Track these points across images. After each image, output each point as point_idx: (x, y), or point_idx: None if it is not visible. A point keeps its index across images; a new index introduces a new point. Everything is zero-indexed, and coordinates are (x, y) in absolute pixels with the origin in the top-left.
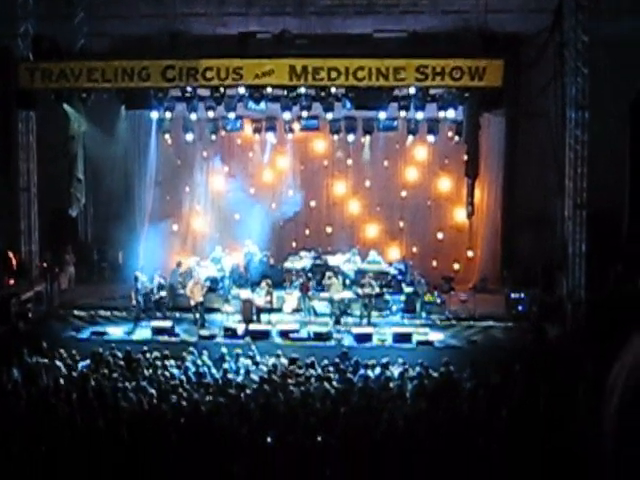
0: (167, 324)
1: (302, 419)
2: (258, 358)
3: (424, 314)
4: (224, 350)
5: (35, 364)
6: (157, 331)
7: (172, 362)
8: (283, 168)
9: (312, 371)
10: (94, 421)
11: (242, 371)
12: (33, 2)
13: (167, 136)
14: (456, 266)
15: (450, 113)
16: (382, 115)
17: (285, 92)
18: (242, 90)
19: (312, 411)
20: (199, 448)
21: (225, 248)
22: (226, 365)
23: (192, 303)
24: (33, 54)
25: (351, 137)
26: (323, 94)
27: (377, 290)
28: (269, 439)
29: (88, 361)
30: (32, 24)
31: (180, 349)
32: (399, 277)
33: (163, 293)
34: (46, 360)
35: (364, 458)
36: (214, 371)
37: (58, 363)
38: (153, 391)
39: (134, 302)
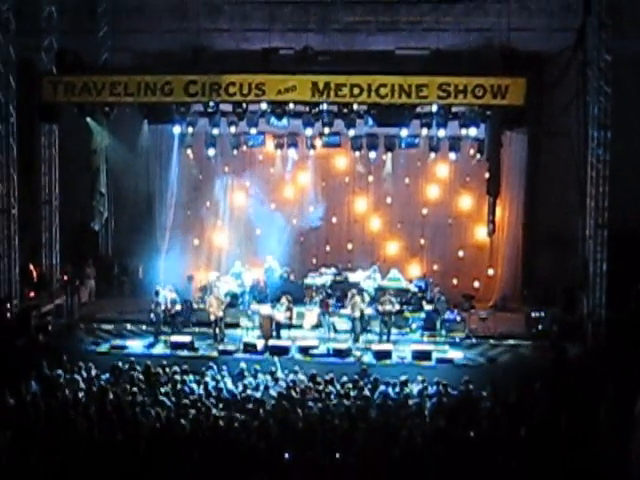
0: (186, 339)
1: (320, 436)
2: (278, 374)
3: (444, 332)
4: (243, 365)
5: (54, 377)
6: (176, 346)
7: (191, 377)
8: (304, 184)
9: (331, 388)
10: (112, 435)
11: (261, 387)
12: (57, 16)
13: (189, 151)
14: (476, 284)
15: (472, 131)
16: (404, 132)
17: (307, 108)
18: (264, 106)
19: (331, 428)
20: (217, 463)
21: (245, 263)
22: (245, 380)
23: (212, 318)
24: (57, 68)
25: (373, 154)
26: (345, 111)
27: (397, 307)
28: (287, 455)
29: (107, 375)
30: (56, 38)
31: (199, 364)
32: (419, 294)
33: (178, 307)
34: (65, 373)
35: (382, 476)
36: (233, 387)
37: (77, 376)
38: (172, 406)
39: (153, 316)
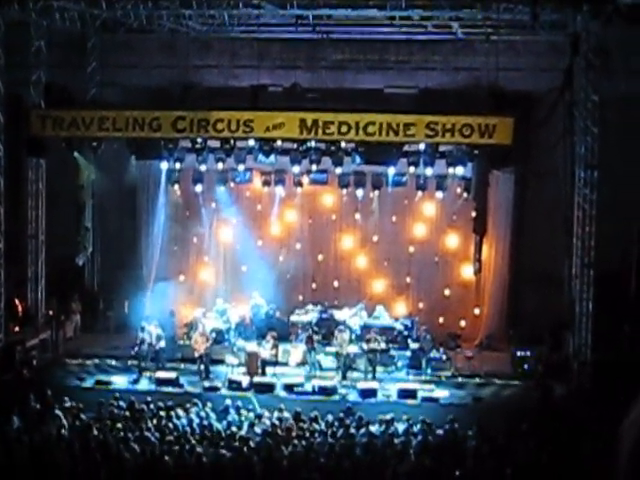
0: (171, 375)
1: (305, 474)
2: (257, 411)
3: (430, 370)
4: (228, 402)
5: (38, 412)
6: (161, 382)
7: (176, 413)
8: (291, 221)
9: (316, 425)
10: (96, 471)
11: (246, 424)
12: (46, 50)
13: (176, 186)
14: (462, 323)
15: (459, 170)
16: (391, 170)
17: (295, 145)
18: (252, 142)
19: (315, 466)
20: None
21: (231, 300)
22: (230, 417)
23: (197, 354)
24: (45, 102)
25: (360, 192)
26: (333, 148)
27: (383, 345)
28: None
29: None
30: (45, 72)
31: (184, 400)
32: (405, 333)
33: (162, 344)
34: (49, 408)
35: None
36: (218, 423)
37: (61, 412)
38: (156, 442)
39: (138, 351)
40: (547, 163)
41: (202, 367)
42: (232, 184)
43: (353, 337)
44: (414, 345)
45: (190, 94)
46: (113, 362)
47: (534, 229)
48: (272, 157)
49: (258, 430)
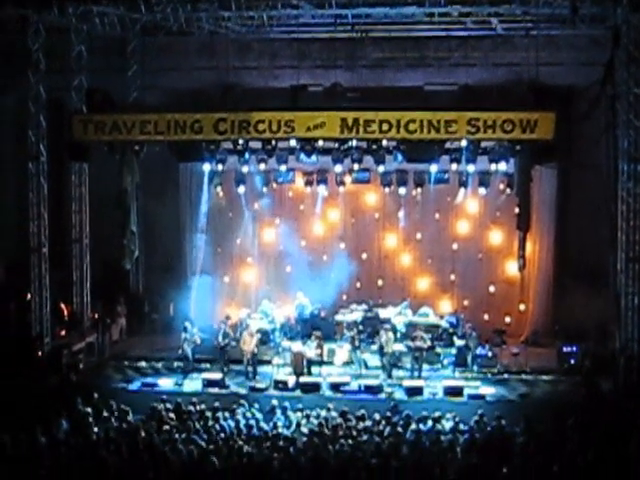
0: (218, 376)
1: (352, 473)
2: (308, 411)
3: (475, 367)
4: (275, 402)
5: (86, 415)
6: (208, 383)
7: (222, 414)
8: (334, 220)
9: (362, 424)
10: (144, 473)
11: (293, 424)
12: (87, 55)
13: (219, 188)
14: (508, 319)
15: (501, 166)
16: (433, 168)
17: (336, 145)
18: (293, 143)
19: (363, 465)
20: None
21: (276, 300)
22: (276, 418)
23: (246, 355)
24: (86, 106)
25: (402, 190)
26: (374, 147)
27: (428, 343)
28: None
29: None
30: (86, 77)
31: (231, 401)
32: (450, 330)
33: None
34: (97, 411)
35: None
36: (264, 424)
37: (108, 414)
38: (203, 443)
39: (180, 352)
40: (590, 157)
41: (250, 368)
42: (275, 184)
43: (398, 335)
44: (459, 342)
45: (230, 95)
46: (159, 364)
47: (578, 224)
48: (314, 157)
49: (305, 430)
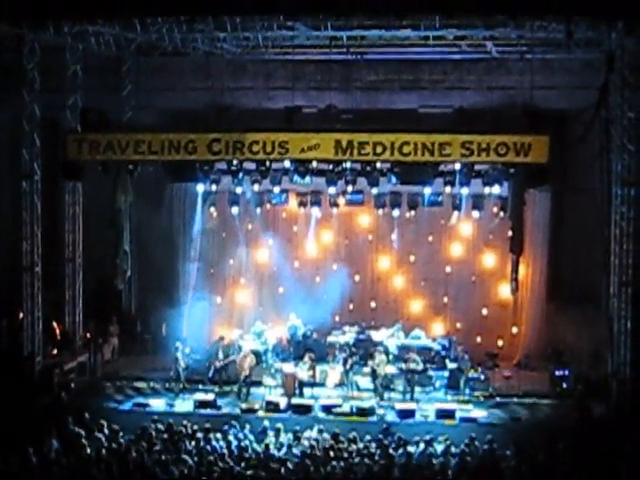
0: (209, 397)
1: None
2: (300, 432)
3: (467, 390)
4: (266, 424)
5: (77, 435)
6: (199, 404)
7: (214, 435)
8: (327, 242)
9: (354, 446)
10: None
11: (284, 445)
12: (82, 74)
13: (212, 209)
14: (500, 342)
15: (495, 189)
16: (427, 190)
17: (330, 166)
18: (287, 164)
19: None
20: None
21: (268, 321)
22: (268, 439)
23: (241, 376)
24: (81, 125)
25: (396, 212)
26: (368, 169)
27: (421, 366)
28: None
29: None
30: (80, 96)
31: (222, 422)
32: (443, 353)
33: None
34: (88, 431)
35: None
36: (256, 445)
37: (99, 434)
38: (194, 464)
39: (173, 373)
40: (584, 181)
41: (243, 389)
42: (268, 206)
43: (391, 358)
44: (452, 365)
45: (225, 116)
46: (151, 384)
47: (571, 247)
48: (308, 178)
49: (296, 451)
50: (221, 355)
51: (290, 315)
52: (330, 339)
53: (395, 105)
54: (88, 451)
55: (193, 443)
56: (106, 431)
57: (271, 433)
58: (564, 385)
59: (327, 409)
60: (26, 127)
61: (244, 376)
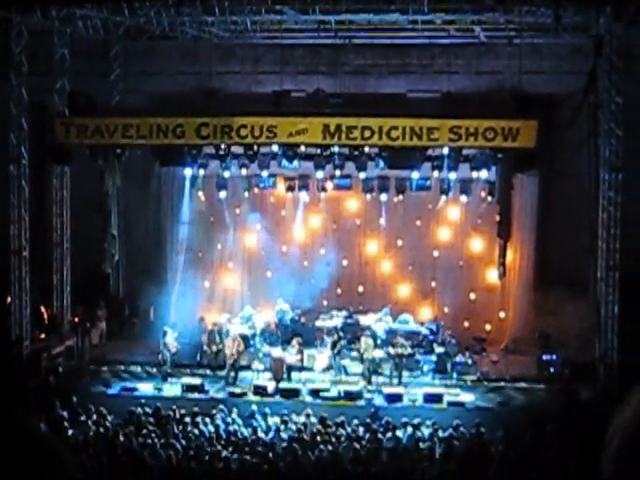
0: (197, 381)
1: (331, 479)
2: (288, 417)
3: (455, 375)
4: (254, 408)
5: (65, 419)
6: (187, 388)
7: (202, 419)
8: (315, 227)
9: (342, 430)
10: (123, 477)
11: (272, 429)
12: (70, 58)
13: (200, 193)
14: (488, 327)
15: (483, 173)
16: (415, 175)
17: (318, 151)
18: (275, 148)
19: (341, 471)
20: None
21: (256, 306)
22: (255, 423)
23: (229, 360)
24: (69, 109)
25: (384, 196)
26: (356, 153)
27: (408, 350)
28: None
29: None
30: (68, 80)
31: (210, 406)
32: (430, 337)
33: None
34: (75, 415)
35: None
36: (243, 429)
37: (87, 419)
38: (182, 448)
39: (160, 357)
40: (571, 166)
41: (232, 373)
42: (256, 190)
43: (378, 342)
44: (439, 349)
45: (213, 100)
46: (139, 369)
47: (558, 232)
48: (296, 162)
49: (284, 435)
50: (205, 338)
51: (278, 299)
52: (318, 323)
53: (383, 89)
54: (75, 435)
55: (181, 427)
56: (94, 415)
57: (259, 417)
58: (551, 369)
59: (315, 393)
60: (13, 110)
61: (232, 360)
